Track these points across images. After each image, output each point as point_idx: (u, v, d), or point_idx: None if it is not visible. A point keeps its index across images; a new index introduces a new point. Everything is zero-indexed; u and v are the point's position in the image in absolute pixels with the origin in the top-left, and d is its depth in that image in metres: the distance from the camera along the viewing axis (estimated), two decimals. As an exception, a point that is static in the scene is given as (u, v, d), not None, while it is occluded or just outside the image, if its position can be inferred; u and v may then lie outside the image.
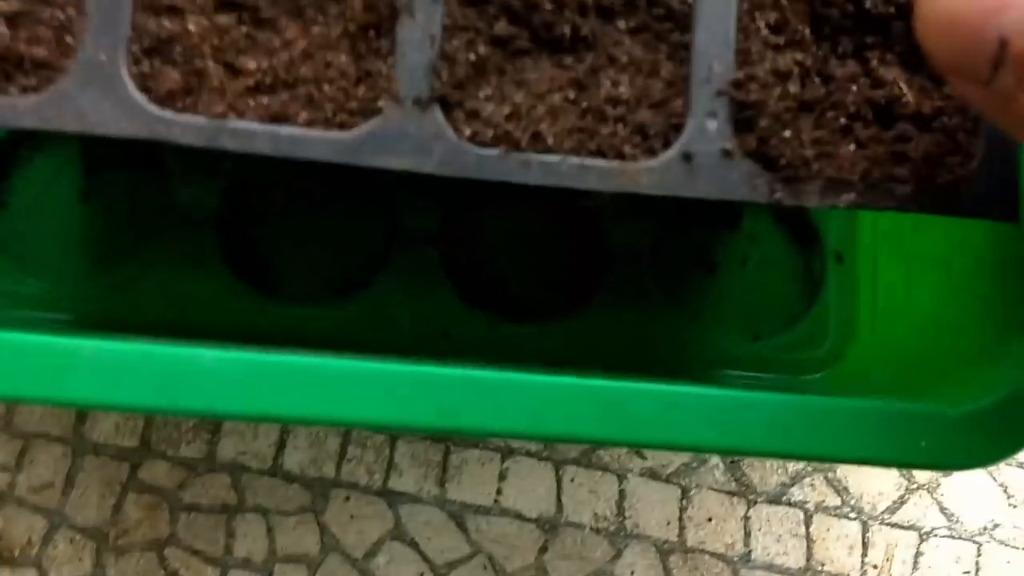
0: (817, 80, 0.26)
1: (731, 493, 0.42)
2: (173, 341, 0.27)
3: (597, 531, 0.42)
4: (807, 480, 0.42)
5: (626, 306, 0.38)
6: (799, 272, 0.39)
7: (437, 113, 0.25)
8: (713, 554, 0.42)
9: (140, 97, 0.25)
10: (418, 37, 0.25)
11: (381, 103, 0.25)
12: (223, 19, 0.26)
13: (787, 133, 0.25)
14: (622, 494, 0.42)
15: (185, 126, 0.25)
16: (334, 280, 0.38)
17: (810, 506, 0.42)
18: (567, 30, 0.26)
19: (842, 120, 0.26)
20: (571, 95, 0.26)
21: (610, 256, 0.38)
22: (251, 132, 0.25)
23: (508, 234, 0.38)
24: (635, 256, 0.38)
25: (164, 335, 0.35)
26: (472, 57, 0.26)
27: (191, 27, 0.25)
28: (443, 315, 0.37)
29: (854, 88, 0.26)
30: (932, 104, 0.26)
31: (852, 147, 0.26)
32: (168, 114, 0.25)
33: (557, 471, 0.42)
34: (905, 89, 0.26)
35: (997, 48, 0.18)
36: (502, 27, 0.26)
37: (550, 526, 0.42)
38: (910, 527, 0.43)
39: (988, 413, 0.27)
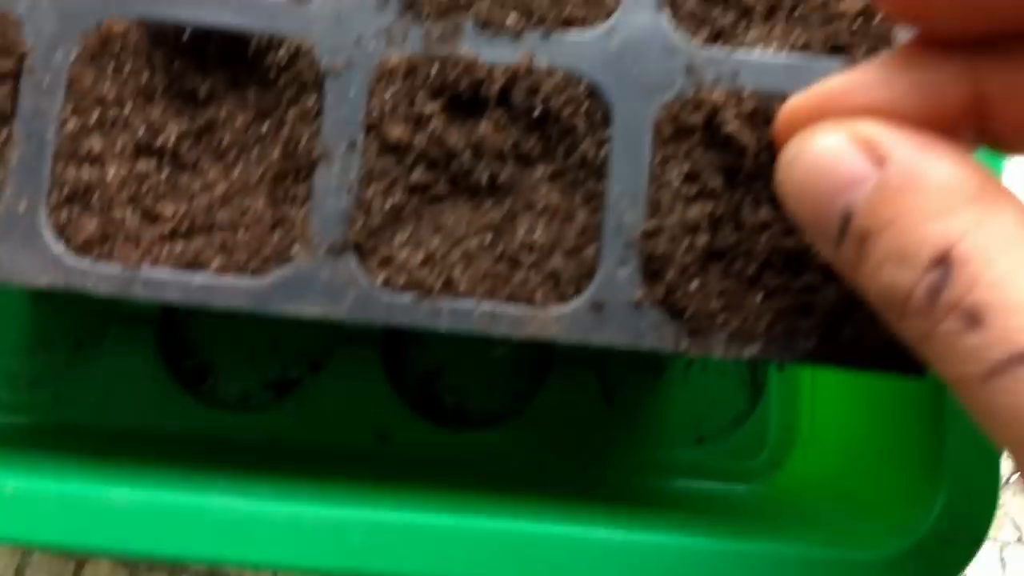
0: (729, 227, 0.27)
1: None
2: (101, 463, 0.27)
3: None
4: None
5: (567, 411, 0.38)
6: (744, 376, 0.40)
7: (351, 260, 0.26)
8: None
9: (58, 247, 0.25)
10: (335, 184, 0.26)
11: (295, 250, 0.26)
12: (143, 165, 0.27)
13: (694, 285, 0.26)
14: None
15: (99, 276, 0.25)
16: (272, 381, 0.38)
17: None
18: (485, 177, 0.27)
19: (751, 269, 0.27)
20: (487, 239, 0.27)
21: (551, 359, 0.39)
22: (162, 281, 0.25)
23: (449, 336, 0.39)
24: (577, 360, 0.39)
25: (102, 442, 0.36)
26: (389, 204, 0.26)
27: (110, 175, 0.26)
28: (381, 418, 0.38)
29: (765, 237, 0.27)
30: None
31: (760, 297, 0.26)
32: (84, 263, 0.25)
33: None
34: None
35: (842, 220, 0.20)
36: (420, 174, 0.27)
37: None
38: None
39: (907, 556, 0.27)
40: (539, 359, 0.39)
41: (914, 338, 0.20)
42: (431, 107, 0.27)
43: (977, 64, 0.21)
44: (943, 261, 0.18)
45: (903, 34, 0.27)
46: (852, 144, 0.20)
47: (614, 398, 0.39)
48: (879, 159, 0.20)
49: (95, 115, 0.26)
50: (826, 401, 0.37)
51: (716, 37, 0.28)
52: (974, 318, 0.18)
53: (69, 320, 0.38)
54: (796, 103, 0.23)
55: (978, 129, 0.22)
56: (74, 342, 0.38)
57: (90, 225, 0.26)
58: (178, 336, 0.38)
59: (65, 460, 0.30)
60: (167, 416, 0.37)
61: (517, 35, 0.27)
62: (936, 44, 0.21)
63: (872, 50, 0.27)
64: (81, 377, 0.37)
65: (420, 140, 0.27)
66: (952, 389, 0.19)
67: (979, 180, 0.19)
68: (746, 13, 0.28)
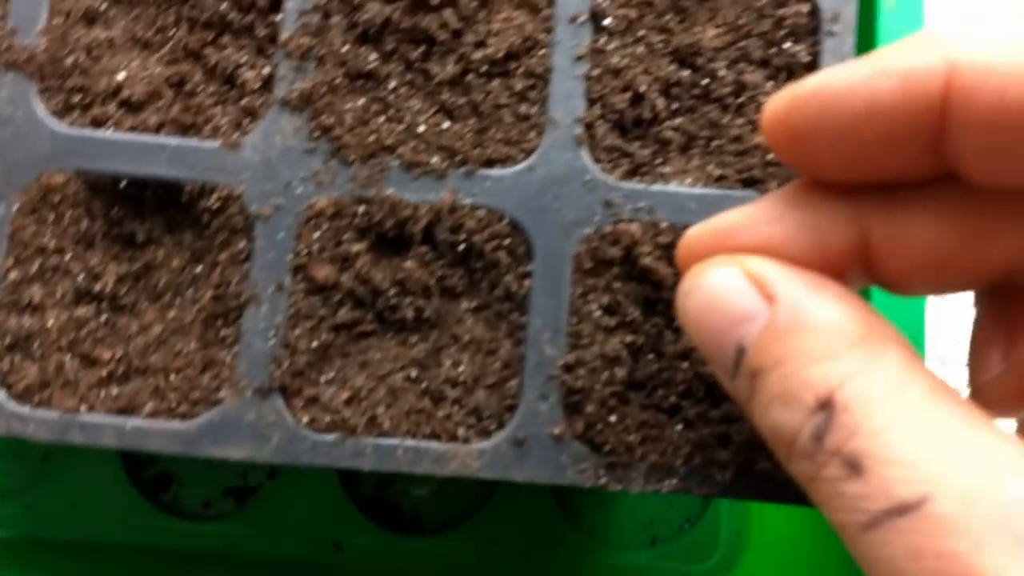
0: (649, 357, 0.28)
1: None
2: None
3: None
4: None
5: (521, 516, 0.39)
6: (698, 472, 0.40)
7: (277, 401, 0.27)
8: None
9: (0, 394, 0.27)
10: (262, 327, 0.27)
11: (223, 393, 0.27)
12: (82, 310, 0.28)
13: (612, 418, 0.27)
14: None
15: (38, 421, 0.26)
16: (233, 487, 0.39)
17: None
18: (411, 312, 0.28)
19: (671, 399, 0.27)
20: (413, 374, 0.28)
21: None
22: (99, 426, 0.27)
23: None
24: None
25: (69, 556, 0.37)
26: (314, 344, 0.28)
27: (50, 322, 0.27)
28: (336, 525, 0.38)
29: (685, 365, 0.28)
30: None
31: (679, 428, 0.27)
32: (24, 410, 0.27)
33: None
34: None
35: (736, 354, 0.20)
36: (346, 313, 0.28)
37: None
38: None
39: None
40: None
41: (801, 479, 0.20)
42: (357, 247, 0.28)
43: (863, 208, 0.22)
44: (826, 406, 0.19)
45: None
46: (745, 280, 0.21)
47: (567, 502, 0.39)
48: (768, 296, 0.20)
49: (36, 265, 0.28)
50: (775, 506, 0.37)
51: (634, 171, 0.29)
52: (854, 466, 0.18)
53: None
54: (695, 233, 0.24)
55: (865, 271, 0.22)
56: (43, 453, 0.39)
57: (30, 372, 0.27)
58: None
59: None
60: (131, 527, 0.38)
61: (441, 175, 0.28)
62: (826, 185, 0.22)
63: (784, 183, 0.28)
64: (49, 489, 0.38)
65: (347, 279, 0.28)
66: (837, 534, 0.19)
67: (864, 323, 0.20)
68: (664, 147, 0.29)
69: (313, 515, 0.38)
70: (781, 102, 0.21)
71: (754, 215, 0.23)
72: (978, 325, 0.24)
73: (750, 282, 0.21)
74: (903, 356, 0.19)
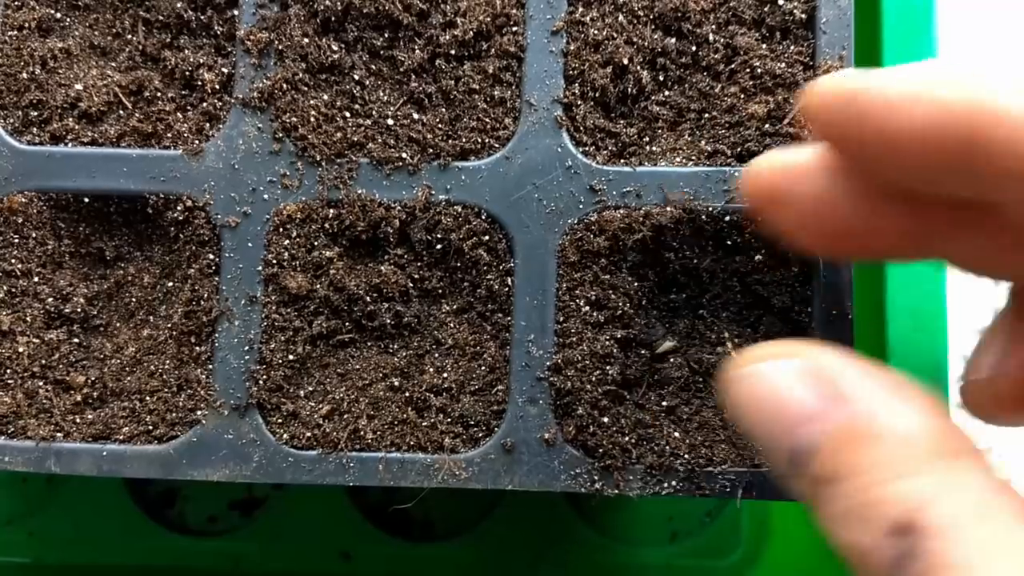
0: (641, 352, 0.27)
1: None
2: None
3: None
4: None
5: (534, 516, 0.38)
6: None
7: (255, 418, 0.27)
8: None
9: (-29, 427, 0.27)
10: (236, 342, 0.27)
11: (200, 412, 0.27)
12: (53, 335, 0.28)
13: (605, 419, 0.26)
14: None
15: (14, 452, 0.27)
16: (238, 500, 0.39)
17: None
18: (390, 318, 0.28)
19: (667, 396, 0.27)
20: (395, 383, 0.27)
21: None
22: (75, 453, 0.27)
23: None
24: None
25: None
26: (291, 357, 0.27)
27: (21, 348, 0.27)
28: (344, 534, 0.38)
29: (678, 358, 0.27)
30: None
31: (675, 428, 0.26)
32: (0, 440, 0.27)
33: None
34: (735, 355, 0.27)
35: (794, 455, 0.19)
36: (323, 322, 0.27)
37: None
38: None
39: None
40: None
41: None
42: (330, 252, 0.27)
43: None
44: (907, 530, 0.17)
45: (812, 138, 0.27)
46: (805, 377, 0.19)
47: (581, 500, 0.38)
48: (836, 397, 0.18)
49: (3, 289, 0.28)
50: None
51: (620, 153, 0.28)
52: None
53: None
54: (759, 166, 0.23)
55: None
56: (47, 477, 0.39)
57: (3, 401, 0.27)
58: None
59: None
60: (136, 548, 0.38)
61: (413, 171, 0.28)
62: None
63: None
64: (54, 513, 0.39)
65: (321, 288, 0.27)
66: None
67: (944, 434, 0.18)
68: (651, 123, 0.28)
69: (320, 525, 0.38)
70: (837, 89, 0.20)
71: (822, 163, 0.22)
72: (990, 326, 0.22)
73: (812, 380, 0.19)
74: (985, 474, 0.18)
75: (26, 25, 0.29)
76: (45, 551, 0.38)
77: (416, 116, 0.28)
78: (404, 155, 0.28)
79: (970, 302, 0.41)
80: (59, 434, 0.27)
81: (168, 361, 0.28)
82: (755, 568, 0.37)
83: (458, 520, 0.39)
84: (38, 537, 0.39)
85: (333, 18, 0.28)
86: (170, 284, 0.28)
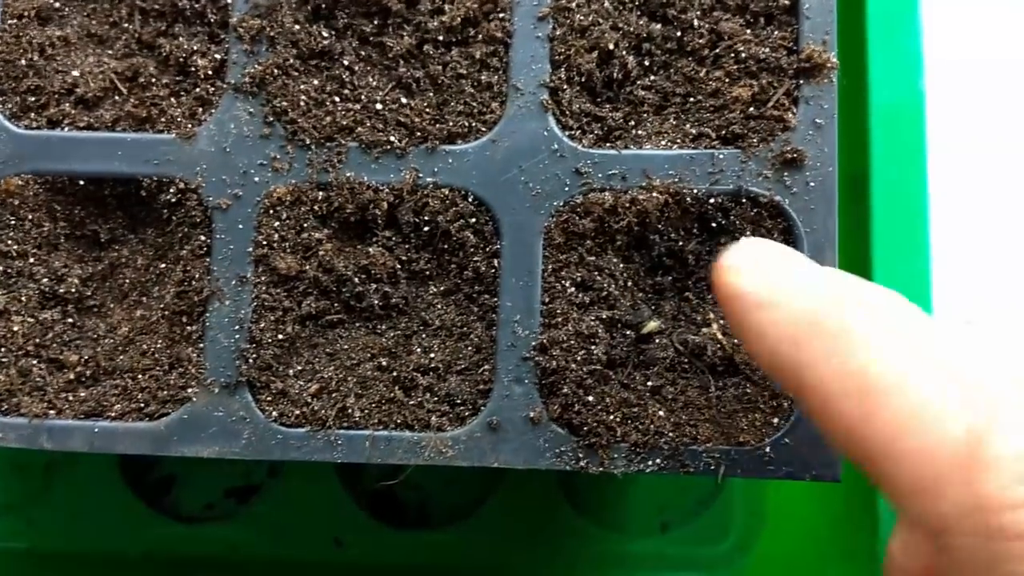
0: (627, 333, 0.27)
1: None
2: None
3: None
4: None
5: (527, 505, 0.38)
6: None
7: (245, 396, 0.27)
8: None
9: (-34, 404, 0.27)
10: (226, 322, 0.28)
11: (191, 390, 0.27)
12: (47, 314, 0.29)
13: (590, 398, 0.26)
14: None
15: (7, 428, 0.27)
16: (235, 488, 0.40)
17: None
18: (378, 299, 0.28)
19: (651, 376, 0.27)
20: (383, 362, 0.28)
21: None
22: (67, 430, 0.27)
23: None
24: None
25: (73, 566, 0.38)
26: (280, 337, 0.28)
27: (16, 327, 0.28)
28: (338, 521, 0.39)
29: (663, 339, 0.27)
30: (742, 356, 0.27)
31: (659, 407, 0.27)
32: (-8, 417, 0.27)
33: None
34: (720, 337, 0.27)
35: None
36: (312, 303, 0.28)
37: None
38: None
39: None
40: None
41: None
42: (319, 234, 0.28)
43: None
44: None
45: (796, 120, 0.27)
46: None
47: (574, 490, 0.39)
48: None
49: (-1, 270, 0.28)
50: (792, 484, 0.36)
51: (606, 136, 0.28)
52: None
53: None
54: None
55: None
56: (43, 464, 0.40)
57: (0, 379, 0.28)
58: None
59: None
60: (133, 536, 0.38)
61: (401, 154, 0.28)
62: None
63: (764, 140, 0.27)
64: (51, 500, 0.39)
65: (310, 269, 0.28)
66: None
67: None
68: (637, 107, 0.29)
69: (315, 512, 0.39)
70: None
71: None
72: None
73: None
74: None
75: (25, 14, 0.30)
76: (43, 539, 0.39)
77: (404, 101, 0.29)
78: (392, 139, 0.28)
79: (954, 296, 0.42)
80: (52, 411, 0.27)
81: (160, 340, 0.28)
82: (747, 557, 0.37)
83: (451, 509, 0.39)
84: (36, 525, 0.39)
85: (324, 5, 0.29)
86: (163, 265, 0.29)
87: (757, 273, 0.21)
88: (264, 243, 0.28)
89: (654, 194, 0.27)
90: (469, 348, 0.28)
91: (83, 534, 0.39)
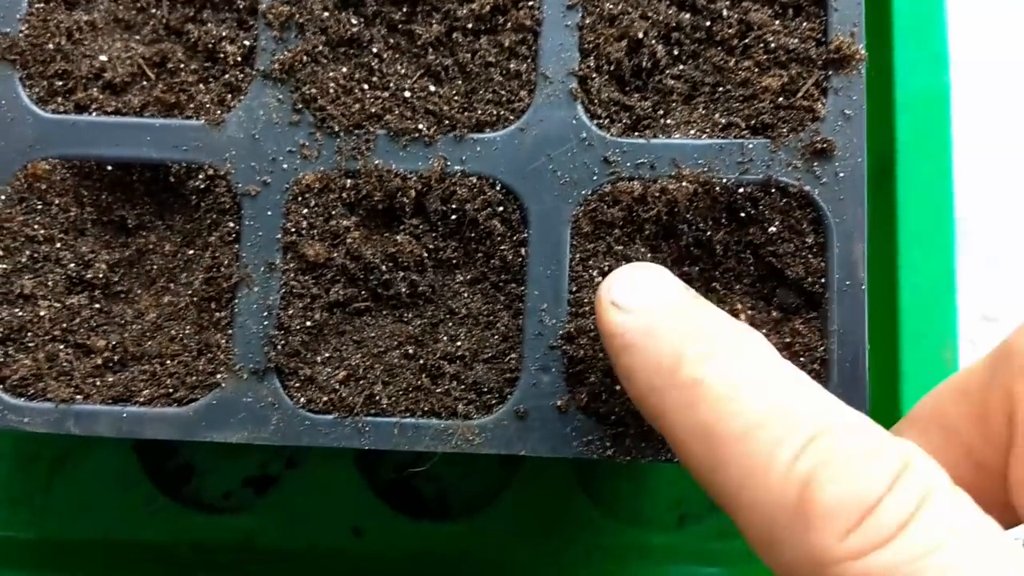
0: (656, 323, 0.27)
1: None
2: None
3: None
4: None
5: (543, 497, 0.38)
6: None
7: (274, 382, 0.27)
8: None
9: (-6, 388, 0.28)
10: (255, 308, 0.28)
11: (219, 376, 0.27)
12: (74, 300, 0.29)
13: (618, 387, 0.26)
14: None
15: (34, 413, 0.27)
16: (253, 478, 0.40)
17: None
18: (405, 287, 0.28)
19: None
20: (410, 350, 0.28)
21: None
22: (94, 414, 0.27)
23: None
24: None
25: (86, 554, 0.38)
26: (308, 323, 0.28)
27: (43, 312, 0.28)
28: (355, 511, 0.39)
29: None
30: (778, 340, 0.27)
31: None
32: (20, 402, 0.27)
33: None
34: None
35: None
36: (339, 290, 0.28)
37: None
38: None
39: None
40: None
41: None
42: (347, 222, 0.28)
43: None
44: None
45: (825, 111, 0.27)
46: None
47: (590, 483, 0.39)
48: None
49: (25, 255, 0.28)
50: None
51: (634, 126, 0.28)
52: None
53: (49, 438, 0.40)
54: None
55: None
56: (58, 454, 0.40)
57: (25, 364, 0.28)
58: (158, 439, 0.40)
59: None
60: (151, 524, 0.39)
61: (429, 142, 0.28)
62: None
63: (794, 129, 0.27)
64: (65, 490, 0.39)
65: (338, 256, 0.28)
66: None
67: None
68: (666, 97, 0.29)
69: (333, 502, 0.39)
70: None
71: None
72: None
73: None
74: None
75: (53, -1, 0.30)
76: (59, 528, 0.39)
77: (433, 89, 0.29)
78: (420, 127, 0.28)
79: (977, 290, 0.42)
80: (79, 396, 0.27)
81: (188, 326, 0.28)
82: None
83: (468, 500, 0.39)
84: (52, 513, 0.39)
85: (353, -8, 0.29)
86: (191, 252, 0.29)
87: (628, 311, 0.21)
88: (292, 230, 0.28)
89: (683, 183, 0.27)
90: (496, 336, 0.28)
91: (100, 522, 0.39)
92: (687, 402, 0.19)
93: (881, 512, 0.17)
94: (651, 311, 0.21)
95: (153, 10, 0.31)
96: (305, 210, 0.28)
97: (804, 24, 0.28)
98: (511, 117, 0.28)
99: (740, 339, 0.21)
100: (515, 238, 0.28)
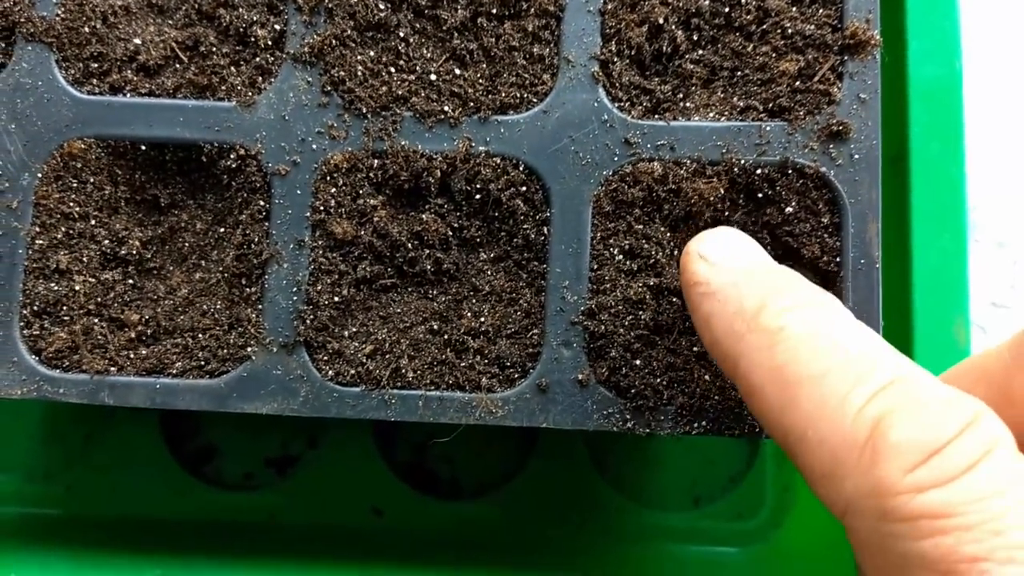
0: (673, 300, 0.28)
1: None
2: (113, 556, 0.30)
3: None
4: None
5: (558, 478, 0.39)
6: (745, 429, 0.40)
7: (303, 356, 0.28)
8: None
9: (31, 359, 0.28)
10: (284, 284, 0.29)
11: (250, 349, 0.28)
12: (108, 275, 0.30)
13: (638, 362, 0.27)
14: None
15: (69, 384, 0.28)
16: (274, 458, 0.41)
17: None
18: (430, 265, 0.29)
19: (696, 346, 0.28)
20: (435, 326, 0.29)
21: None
22: (128, 386, 0.28)
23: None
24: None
25: (114, 533, 0.39)
26: (336, 299, 0.29)
27: (78, 287, 0.29)
28: (375, 491, 0.40)
29: (712, 306, 0.28)
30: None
31: (705, 371, 0.27)
32: (55, 373, 0.28)
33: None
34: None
35: None
36: (366, 267, 0.29)
37: None
38: None
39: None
40: (526, 429, 0.40)
41: None
42: (374, 200, 0.29)
43: None
44: None
45: (841, 94, 0.28)
46: None
47: (605, 463, 0.39)
48: None
49: (61, 231, 0.29)
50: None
51: (655, 108, 0.29)
52: None
53: (79, 410, 0.41)
54: None
55: None
56: (85, 433, 0.41)
57: (60, 337, 0.29)
58: (181, 419, 0.41)
59: (79, 556, 0.33)
60: (174, 502, 0.40)
61: (454, 124, 0.29)
62: None
63: (811, 112, 0.28)
64: (91, 468, 0.40)
65: (365, 234, 0.29)
66: None
67: None
68: (685, 81, 0.29)
69: (352, 482, 0.40)
70: None
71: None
72: None
73: None
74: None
75: (87, -16, 0.31)
76: (83, 505, 0.40)
77: (458, 72, 0.30)
78: (446, 108, 0.29)
79: (987, 277, 0.42)
80: (113, 368, 0.28)
81: (219, 302, 0.29)
82: (779, 531, 0.38)
83: (485, 480, 0.40)
84: (76, 491, 0.40)
85: (380, -22, 0.30)
86: (222, 230, 0.30)
87: (716, 265, 0.23)
88: (321, 208, 0.29)
89: (699, 164, 0.28)
90: (518, 313, 0.29)
91: (123, 501, 0.40)
92: (767, 344, 0.21)
93: (948, 453, 0.18)
94: (736, 268, 0.23)
95: (185, -5, 0.31)
96: (333, 189, 0.29)
97: (820, 11, 0.29)
98: (534, 100, 0.29)
99: (820, 298, 0.22)
100: (537, 217, 0.29)
